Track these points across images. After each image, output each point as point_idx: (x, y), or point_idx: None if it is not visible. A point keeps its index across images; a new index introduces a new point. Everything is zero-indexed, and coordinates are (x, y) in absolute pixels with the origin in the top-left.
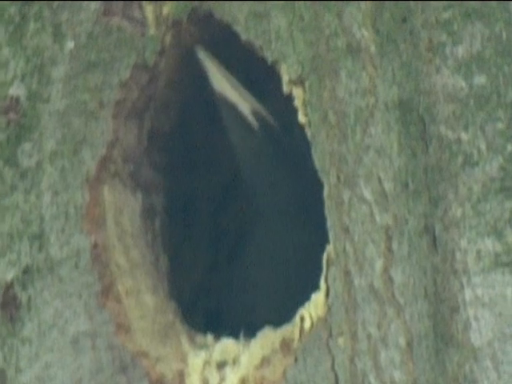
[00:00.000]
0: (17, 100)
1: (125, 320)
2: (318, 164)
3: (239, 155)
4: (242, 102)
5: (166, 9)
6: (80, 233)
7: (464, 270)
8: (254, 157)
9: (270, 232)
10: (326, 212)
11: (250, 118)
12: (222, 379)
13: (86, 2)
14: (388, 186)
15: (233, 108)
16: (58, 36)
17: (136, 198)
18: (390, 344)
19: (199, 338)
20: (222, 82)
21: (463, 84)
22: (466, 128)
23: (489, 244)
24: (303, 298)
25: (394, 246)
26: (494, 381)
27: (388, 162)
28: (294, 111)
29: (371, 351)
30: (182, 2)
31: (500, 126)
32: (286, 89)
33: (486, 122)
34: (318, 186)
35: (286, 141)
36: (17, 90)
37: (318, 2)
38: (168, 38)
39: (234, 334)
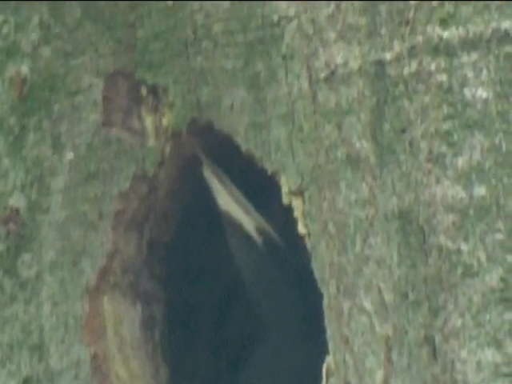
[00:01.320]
0: (17, 211)
1: None
2: (317, 274)
3: (242, 270)
4: (247, 219)
5: (166, 120)
6: (80, 343)
7: (464, 381)
8: (257, 272)
9: (271, 342)
10: (326, 323)
11: (255, 235)
12: None
13: (85, 113)
14: (388, 296)
15: (237, 225)
16: (58, 147)
17: (136, 308)
18: None
19: None
20: (227, 199)
21: (463, 195)
22: (465, 239)
23: (489, 355)
24: None
25: (394, 356)
26: None
27: (388, 272)
28: (294, 222)
29: None
30: (181, 113)
31: (500, 236)
32: (285, 199)
33: (486, 233)
34: (318, 296)
35: (288, 255)
36: (17, 201)
37: (317, 114)
38: (168, 149)
39: None
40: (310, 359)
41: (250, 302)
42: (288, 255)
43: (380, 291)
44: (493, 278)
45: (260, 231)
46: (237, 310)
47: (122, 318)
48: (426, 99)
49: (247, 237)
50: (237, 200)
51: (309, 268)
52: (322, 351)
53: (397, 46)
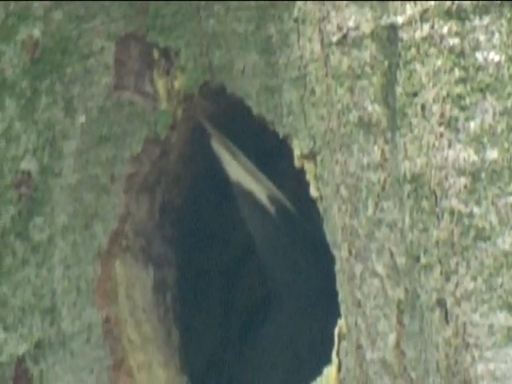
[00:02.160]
0: (28, 174)
1: None
2: (329, 238)
3: (255, 238)
4: (258, 188)
5: (178, 83)
6: (92, 307)
7: (476, 345)
8: (270, 240)
9: (283, 306)
10: (338, 286)
11: (267, 204)
12: None
13: (97, 77)
14: (400, 260)
15: (249, 194)
16: (70, 110)
17: (148, 272)
18: None
19: None
20: (236, 170)
21: (475, 158)
22: (478, 202)
23: (501, 318)
24: (315, 371)
25: (406, 320)
26: None
27: (400, 236)
28: (306, 185)
29: None
30: (193, 76)
31: None
32: (297, 163)
33: (498, 196)
34: (330, 259)
35: (301, 223)
36: (28, 165)
37: (329, 77)
38: (179, 112)
39: None
40: (323, 323)
41: (262, 268)
42: (301, 222)
43: (392, 255)
44: (505, 241)
45: (272, 199)
46: (249, 274)
47: (134, 282)
48: (438, 63)
49: (259, 206)
50: (247, 169)
51: (321, 232)
52: (335, 315)
53: (409, 10)
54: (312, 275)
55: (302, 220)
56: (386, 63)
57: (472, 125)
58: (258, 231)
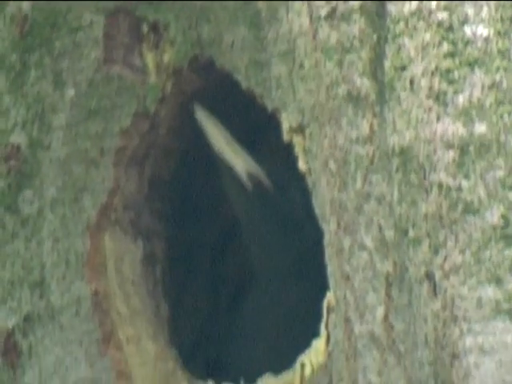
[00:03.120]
0: (18, 148)
1: (125, 367)
2: (318, 212)
3: (234, 211)
4: (239, 163)
5: (167, 57)
6: (81, 280)
7: (464, 318)
8: (247, 216)
9: (271, 280)
10: (327, 259)
11: (245, 180)
12: None
13: (86, 50)
14: (388, 233)
15: (229, 168)
16: (59, 84)
17: (137, 245)
18: None
19: None
20: (219, 142)
21: (464, 132)
22: (466, 176)
23: (489, 291)
24: (304, 344)
25: (395, 293)
26: None
27: (388, 209)
28: (295, 159)
29: None
30: (182, 49)
31: (500, 173)
32: (286, 137)
33: (487, 170)
34: (319, 233)
35: (277, 199)
36: (18, 138)
37: (318, 51)
38: (169, 86)
39: (235, 381)
40: (311, 296)
41: (245, 242)
42: (277, 200)
43: (380, 228)
44: (493, 214)
45: (251, 176)
46: (237, 247)
47: (123, 255)
48: (427, 37)
49: (238, 181)
50: (229, 144)
51: (305, 207)
52: (323, 288)
53: None
54: (296, 245)
55: (278, 198)
56: (375, 37)
57: (460, 98)
58: (236, 205)
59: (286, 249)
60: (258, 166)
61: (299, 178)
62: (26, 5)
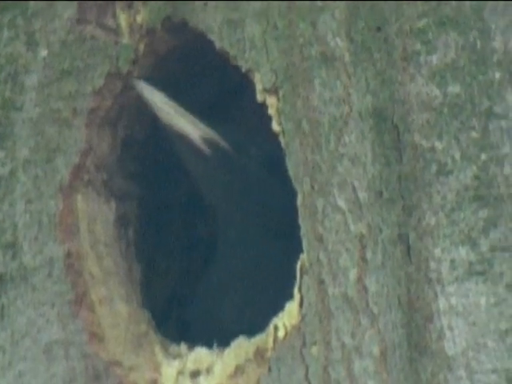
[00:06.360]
0: None
1: (98, 329)
2: (291, 172)
3: (196, 179)
4: (192, 130)
5: (140, 17)
6: (53, 241)
7: (438, 279)
8: (209, 181)
9: (243, 242)
10: (300, 221)
11: (202, 145)
12: None
13: (59, 11)
14: (362, 194)
15: (182, 137)
16: (32, 44)
17: (109, 206)
18: (364, 353)
19: (173, 348)
20: (167, 113)
21: (437, 93)
22: (440, 137)
23: (463, 253)
24: (277, 307)
25: (368, 255)
26: None
27: (362, 170)
28: (268, 119)
29: (345, 360)
30: (155, 10)
31: (474, 134)
32: (259, 97)
33: (460, 131)
34: (292, 194)
35: (239, 160)
36: None
37: (292, 11)
38: (142, 47)
39: (208, 344)
40: (284, 258)
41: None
42: (240, 160)
43: (354, 189)
44: (467, 175)
45: (206, 141)
46: (207, 208)
47: (96, 216)
48: None
49: (193, 147)
50: (178, 113)
51: (282, 167)
52: (297, 250)
53: None
54: (267, 207)
55: (240, 158)
56: None
57: (434, 59)
58: (196, 171)
59: (256, 210)
60: (212, 131)
61: (273, 139)
62: None
